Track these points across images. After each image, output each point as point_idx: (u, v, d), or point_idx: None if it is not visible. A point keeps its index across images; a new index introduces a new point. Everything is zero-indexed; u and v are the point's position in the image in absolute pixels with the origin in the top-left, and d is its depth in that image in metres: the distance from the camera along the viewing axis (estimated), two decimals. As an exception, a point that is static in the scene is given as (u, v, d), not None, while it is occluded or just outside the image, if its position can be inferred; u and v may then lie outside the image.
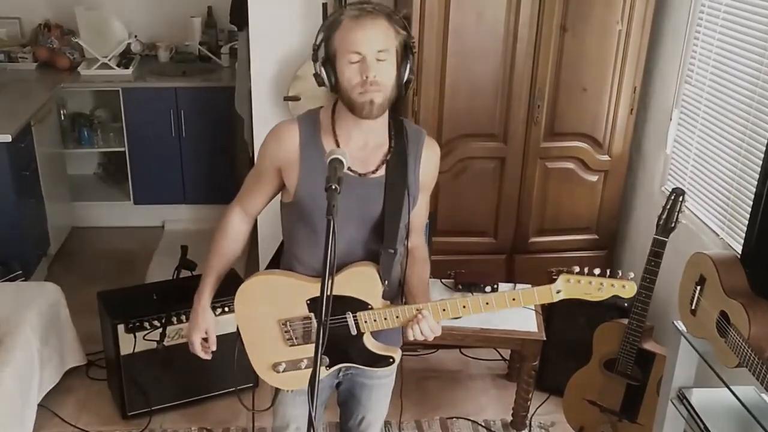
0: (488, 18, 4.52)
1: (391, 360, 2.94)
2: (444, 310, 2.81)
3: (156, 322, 4.33)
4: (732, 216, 4.06)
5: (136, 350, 4.34)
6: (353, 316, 2.82)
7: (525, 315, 4.36)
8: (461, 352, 5.21)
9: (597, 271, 2.68)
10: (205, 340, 3.04)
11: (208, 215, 6.44)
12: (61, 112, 6.59)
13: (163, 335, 4.32)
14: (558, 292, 2.71)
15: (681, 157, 4.61)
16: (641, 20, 4.63)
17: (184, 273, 4.48)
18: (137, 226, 6.74)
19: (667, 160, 4.75)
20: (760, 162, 3.51)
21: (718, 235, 4.18)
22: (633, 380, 4.04)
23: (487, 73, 4.64)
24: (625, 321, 3.97)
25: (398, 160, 2.82)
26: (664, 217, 3.77)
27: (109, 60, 6.50)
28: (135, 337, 4.32)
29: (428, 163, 2.92)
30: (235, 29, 6.25)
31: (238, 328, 2.99)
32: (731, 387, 3.19)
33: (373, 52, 2.60)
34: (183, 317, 4.34)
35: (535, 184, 4.90)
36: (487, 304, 2.79)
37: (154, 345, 4.33)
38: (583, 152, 4.89)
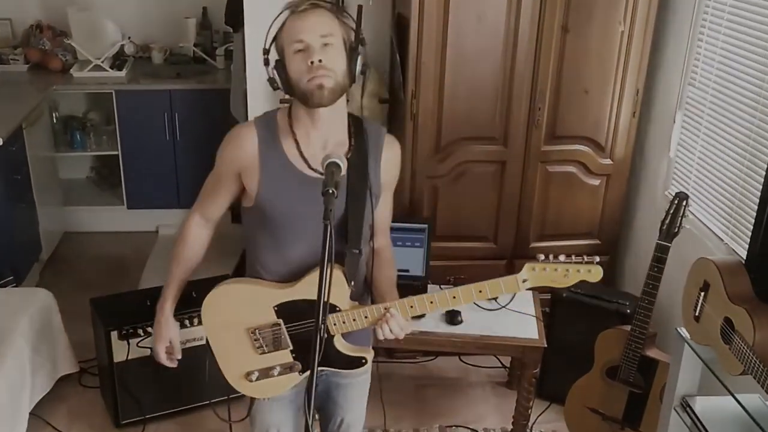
0: (488, 19, 4.53)
1: (364, 361, 2.96)
2: (411, 306, 2.83)
3: (150, 329, 4.32)
4: (736, 221, 4.06)
5: (129, 358, 4.34)
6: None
7: (525, 322, 4.36)
8: (461, 360, 5.21)
9: (562, 257, 2.72)
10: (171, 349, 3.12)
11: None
12: (53, 114, 6.60)
13: (156, 342, 4.32)
14: (524, 281, 2.76)
15: (685, 160, 4.62)
16: (644, 21, 4.63)
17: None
18: (131, 231, 6.73)
19: (671, 163, 4.76)
20: (765, 165, 3.52)
21: (722, 240, 4.18)
22: (635, 388, 4.04)
23: (487, 75, 4.65)
24: (628, 327, 3.98)
25: (359, 159, 2.84)
26: (667, 221, 3.77)
27: (102, 62, 6.51)
28: (128, 344, 4.32)
29: (389, 162, 2.95)
30: (231, 30, 6.25)
31: (207, 341, 3.01)
32: (736, 395, 3.19)
33: (316, 38, 2.64)
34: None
35: (535, 188, 4.90)
36: (454, 298, 2.84)
37: (147, 352, 4.32)
38: (584, 156, 4.90)
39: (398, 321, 2.81)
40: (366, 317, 2.83)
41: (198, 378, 4.40)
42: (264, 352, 2.92)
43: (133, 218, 6.72)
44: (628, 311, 4.34)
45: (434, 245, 4.62)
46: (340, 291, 2.79)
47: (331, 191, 2.46)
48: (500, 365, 5.17)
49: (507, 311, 4.43)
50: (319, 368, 2.87)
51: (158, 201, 6.68)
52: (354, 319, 2.83)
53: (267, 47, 2.74)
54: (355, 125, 2.88)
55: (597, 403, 4.19)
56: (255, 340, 2.90)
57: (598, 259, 2.74)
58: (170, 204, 6.65)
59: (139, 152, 6.47)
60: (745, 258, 3.40)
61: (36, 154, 5.87)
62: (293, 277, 2.87)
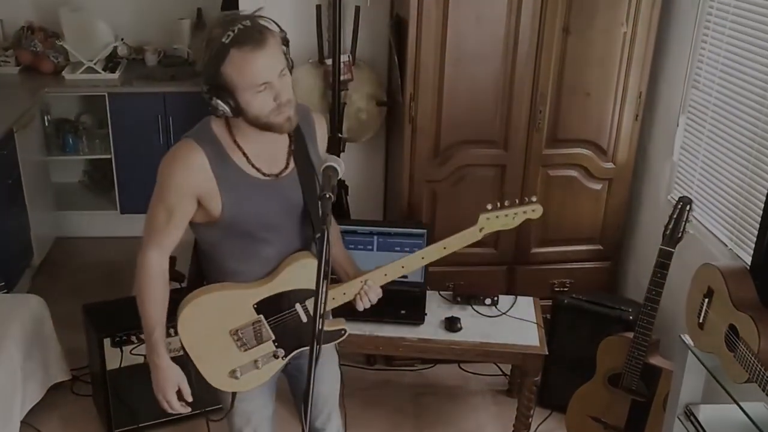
0: (488, 20, 4.53)
1: (343, 332, 3.11)
2: (386, 275, 3.03)
3: (143, 336, 4.31)
4: (741, 225, 4.07)
5: (122, 365, 4.34)
6: (302, 306, 2.98)
7: (526, 328, 4.36)
8: (460, 367, 5.20)
9: (507, 203, 3.10)
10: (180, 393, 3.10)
11: (197, 225, 6.39)
12: (45, 118, 6.59)
13: (150, 350, 4.31)
14: (481, 229, 3.09)
15: (688, 164, 4.62)
16: (647, 22, 4.64)
17: (173, 285, 4.47)
18: (124, 236, 6.71)
19: (674, 167, 4.76)
20: (770, 170, 3.52)
21: (726, 246, 4.18)
22: (638, 396, 4.04)
23: (487, 78, 4.65)
24: (631, 334, 3.98)
25: (300, 147, 2.96)
26: (670, 226, 3.78)
27: (95, 64, 6.51)
28: (122, 351, 4.33)
29: (322, 138, 3.10)
30: (226, 32, 6.25)
31: (185, 352, 3.02)
32: (740, 403, 3.19)
33: (275, 76, 2.68)
34: (171, 331, 4.29)
35: (536, 192, 4.89)
36: (422, 258, 3.08)
37: (141, 360, 4.31)
38: (586, 159, 4.90)
39: (375, 290, 3.03)
40: (344, 294, 3.02)
41: (190, 385, 4.41)
42: (247, 349, 2.99)
43: (127, 223, 6.69)
44: (631, 318, 4.35)
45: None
46: (313, 275, 2.72)
47: (328, 195, 2.51)
48: (500, 373, 5.16)
49: (507, 318, 4.43)
50: (301, 350, 3.06)
51: (152, 206, 6.64)
52: (333, 298, 2.98)
53: (212, 80, 2.71)
54: None
55: (599, 412, 4.19)
56: (237, 339, 2.97)
57: (535, 198, 3.12)
58: (164, 209, 6.64)
59: (133, 156, 6.45)
60: (749, 264, 3.40)
61: (27, 158, 5.87)
62: (269, 274, 2.96)
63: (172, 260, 4.54)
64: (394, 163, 5.12)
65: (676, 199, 3.82)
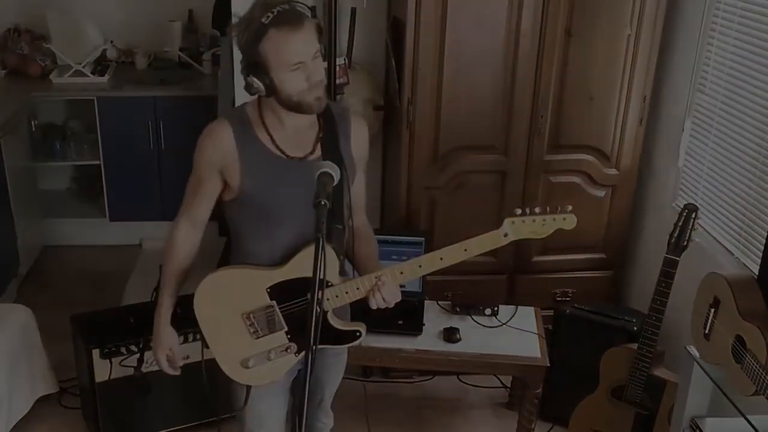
0: (488, 22, 4.54)
1: (358, 333, 3.15)
2: (402, 273, 3.06)
3: (133, 347, 4.32)
4: (748, 234, 4.07)
5: (111, 377, 4.33)
6: None
7: (527, 339, 4.36)
8: (459, 380, 5.20)
9: (537, 209, 3.03)
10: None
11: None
12: (32, 122, 6.58)
13: (140, 361, 4.31)
14: (506, 235, 3.07)
15: (694, 170, 4.63)
16: (651, 24, 4.65)
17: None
18: (113, 244, 6.73)
19: (679, 173, 4.77)
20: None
21: (733, 254, 4.19)
22: (643, 409, 4.05)
23: (487, 81, 4.66)
24: (635, 346, 3.98)
25: (330, 138, 3.08)
26: (675, 235, 3.78)
27: (83, 67, 6.50)
28: (111, 362, 4.31)
29: (358, 137, 3.18)
30: (218, 34, 6.26)
31: (201, 334, 3.14)
32: (747, 416, 3.19)
33: (310, 56, 2.86)
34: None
35: (538, 199, 4.89)
36: (441, 259, 3.09)
37: (131, 371, 4.32)
38: (589, 165, 4.91)
39: (389, 288, 3.03)
40: (358, 288, 3.04)
41: (182, 398, 4.41)
42: (259, 336, 3.08)
43: (116, 231, 6.71)
44: (635, 328, 4.35)
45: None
46: (331, 266, 2.95)
47: (323, 203, 2.57)
48: (501, 385, 5.16)
49: (507, 328, 4.43)
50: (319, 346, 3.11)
51: (142, 213, 6.66)
52: (347, 292, 3.04)
53: (250, 58, 2.88)
54: None
55: (602, 425, 4.20)
56: (249, 324, 3.07)
57: (570, 208, 3.07)
58: (154, 216, 6.63)
59: (122, 162, 6.46)
60: (757, 273, 3.40)
61: (14, 164, 5.86)
62: (284, 260, 3.03)
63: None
64: (392, 169, 5.12)
65: (682, 206, 3.82)
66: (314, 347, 2.47)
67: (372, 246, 3.34)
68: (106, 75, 6.56)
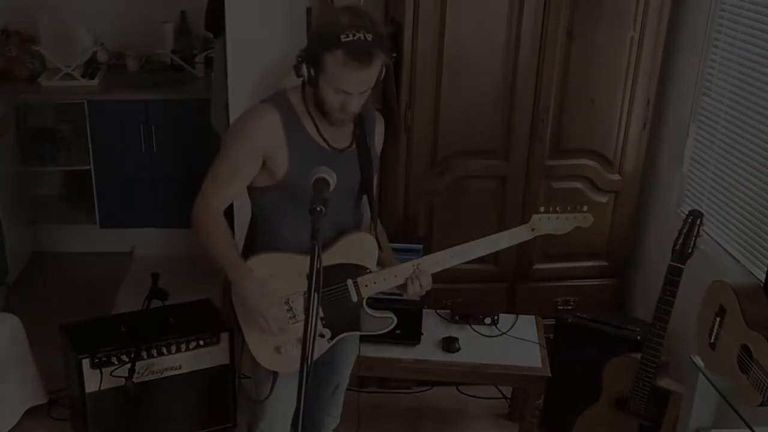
0: (488, 24, 4.54)
1: (391, 320, 3.42)
2: (437, 262, 3.34)
3: (124, 357, 4.31)
4: (754, 240, 4.07)
5: (102, 387, 4.31)
6: (354, 282, 3.28)
7: (528, 349, 4.37)
8: (458, 390, 5.19)
9: (558, 208, 3.43)
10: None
11: (180, 240, 6.40)
12: (20, 126, 6.57)
13: (132, 371, 4.30)
14: (533, 229, 3.44)
15: (699, 176, 4.63)
16: (655, 26, 4.65)
17: (155, 303, 4.47)
18: (104, 251, 6.72)
19: (684, 179, 4.76)
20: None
21: (738, 262, 4.19)
22: (647, 420, 4.04)
23: (487, 85, 4.66)
24: (638, 355, 3.97)
25: (362, 134, 3.28)
26: (680, 241, 3.77)
27: (73, 70, 6.50)
28: (101, 373, 4.30)
29: (379, 135, 3.43)
30: (211, 36, 6.25)
31: (236, 321, 3.25)
32: (754, 428, 3.19)
33: (359, 91, 3.02)
34: (153, 351, 4.33)
35: (539, 205, 4.87)
36: (473, 250, 3.37)
37: (122, 382, 4.31)
38: (591, 171, 4.91)
39: (427, 276, 3.31)
40: (395, 276, 3.30)
41: (174, 409, 4.40)
42: (296, 321, 3.21)
43: (107, 238, 6.70)
44: (638, 338, 4.34)
45: (430, 267, 4.62)
46: (371, 254, 3.29)
47: (319, 209, 2.59)
48: (501, 396, 5.15)
49: (507, 338, 4.44)
50: (347, 334, 3.43)
51: (133, 220, 6.67)
52: (384, 279, 3.30)
53: (312, 52, 2.99)
54: None
55: (605, 437, 4.20)
56: (288, 309, 3.23)
57: (586, 207, 3.47)
58: (146, 223, 6.65)
59: (113, 167, 6.46)
60: (763, 281, 3.40)
61: (1, 169, 5.87)
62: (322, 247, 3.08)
63: (155, 277, 4.57)
64: (389, 174, 5.11)
65: (686, 212, 3.82)
66: (311, 348, 2.56)
67: (386, 238, 3.53)
68: (97, 78, 6.55)
